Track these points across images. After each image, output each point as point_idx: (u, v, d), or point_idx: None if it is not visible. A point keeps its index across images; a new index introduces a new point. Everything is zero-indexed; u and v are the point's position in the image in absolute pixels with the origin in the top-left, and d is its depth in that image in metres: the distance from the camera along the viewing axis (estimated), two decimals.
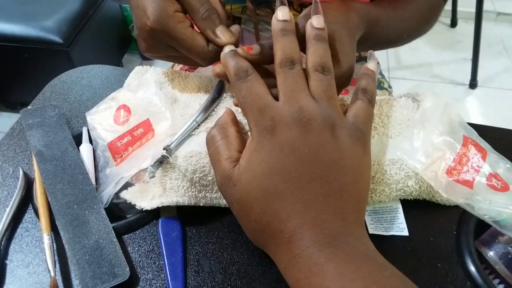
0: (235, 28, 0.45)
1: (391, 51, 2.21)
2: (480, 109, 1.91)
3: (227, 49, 0.41)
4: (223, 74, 0.41)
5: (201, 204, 0.47)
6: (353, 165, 0.34)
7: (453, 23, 2.38)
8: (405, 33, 0.65)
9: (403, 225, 0.46)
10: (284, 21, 0.39)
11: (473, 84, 2.00)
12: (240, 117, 0.45)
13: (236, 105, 0.45)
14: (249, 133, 0.40)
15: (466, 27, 2.32)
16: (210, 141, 0.39)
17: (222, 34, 0.43)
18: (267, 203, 0.33)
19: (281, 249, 0.33)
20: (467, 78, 2.02)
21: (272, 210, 0.33)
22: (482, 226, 0.47)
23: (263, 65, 0.43)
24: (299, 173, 0.33)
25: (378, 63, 0.86)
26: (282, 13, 0.39)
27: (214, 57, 0.44)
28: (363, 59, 0.82)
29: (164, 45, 0.44)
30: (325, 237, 0.31)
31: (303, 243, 0.31)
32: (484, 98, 1.97)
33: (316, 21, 0.39)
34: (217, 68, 0.42)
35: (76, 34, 1.67)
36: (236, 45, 0.44)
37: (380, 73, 0.87)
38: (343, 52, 0.43)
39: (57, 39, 1.62)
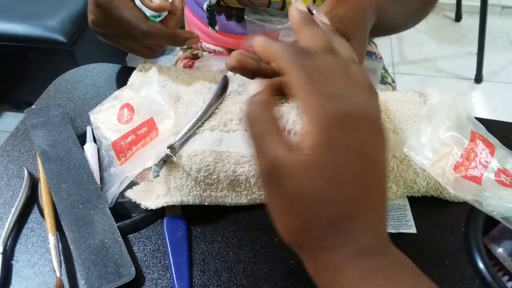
0: (177, 0, 0.49)
1: (395, 46, 2.19)
2: (486, 103, 1.90)
3: (298, 14, 0.36)
4: (239, 67, 0.38)
5: (206, 203, 0.47)
6: None
7: (458, 17, 2.36)
8: (409, 17, 0.64)
9: (411, 222, 0.46)
10: None
11: (478, 79, 1.98)
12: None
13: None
14: None
15: (471, 21, 2.29)
16: (253, 120, 0.32)
17: None
18: (325, 205, 0.29)
19: (321, 254, 0.30)
20: (472, 73, 2.00)
21: (327, 214, 0.29)
22: (490, 223, 0.46)
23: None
24: (369, 179, 0.29)
25: (381, 57, 0.85)
26: None
27: (150, 30, 0.47)
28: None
29: (108, 19, 0.48)
30: (370, 247, 0.29)
31: (348, 252, 0.29)
32: (490, 93, 1.95)
33: None
34: (232, 60, 0.38)
35: (80, 33, 1.67)
36: (180, 17, 0.50)
37: (384, 68, 0.87)
38: (358, 51, 0.42)
39: (60, 38, 1.62)
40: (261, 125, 0.31)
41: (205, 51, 0.84)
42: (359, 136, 0.29)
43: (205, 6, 0.72)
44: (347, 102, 0.29)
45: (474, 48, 1.97)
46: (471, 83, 2.00)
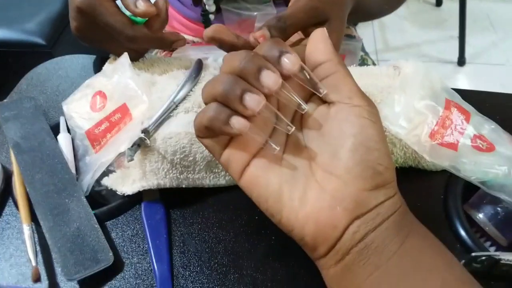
0: (161, 2, 0.48)
1: (378, 34, 2.20)
2: (470, 85, 1.91)
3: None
4: (217, 38, 0.38)
5: (184, 186, 0.46)
6: None
7: (438, 2, 2.37)
8: (387, 3, 0.64)
9: None
10: None
11: (461, 61, 1.99)
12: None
13: None
14: None
15: (451, 5, 2.30)
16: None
17: (141, 5, 0.44)
18: None
19: None
20: (455, 56, 2.01)
21: None
22: (469, 190, 0.46)
23: None
24: None
25: (361, 39, 0.85)
26: None
27: (136, 35, 0.46)
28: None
29: (92, 25, 0.46)
30: None
31: None
32: (473, 75, 1.97)
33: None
34: (210, 31, 0.38)
35: (59, 35, 1.65)
36: (165, 19, 0.48)
37: (363, 50, 0.86)
38: (335, 32, 0.42)
39: (40, 41, 1.60)
40: None
41: None
42: None
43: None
44: None
45: (456, 32, 1.98)
46: (454, 66, 2.01)
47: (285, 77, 0.30)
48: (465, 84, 1.92)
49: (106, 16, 0.45)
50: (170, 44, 0.50)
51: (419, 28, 2.23)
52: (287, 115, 0.33)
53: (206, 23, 0.73)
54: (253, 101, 0.28)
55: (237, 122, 0.29)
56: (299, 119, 0.34)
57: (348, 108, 0.30)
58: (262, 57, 0.30)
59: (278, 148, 0.30)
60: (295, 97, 0.30)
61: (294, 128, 0.31)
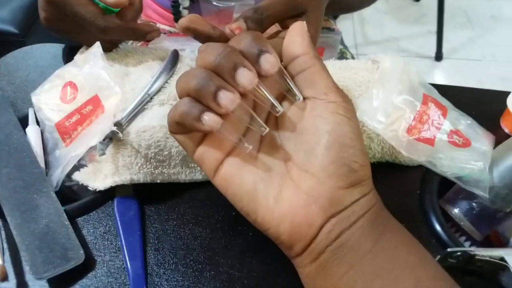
0: None
1: (357, 28, 2.21)
2: (447, 80, 1.93)
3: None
4: (192, 28, 0.36)
5: (158, 181, 0.45)
6: None
7: None
8: None
9: None
10: None
11: (438, 56, 2.02)
12: None
13: None
14: None
15: (430, 0, 2.33)
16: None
17: None
18: None
19: None
20: (433, 51, 2.03)
21: None
22: (445, 186, 0.47)
23: None
24: None
25: (340, 32, 0.84)
26: None
27: (108, 26, 0.44)
28: (323, 28, 0.81)
29: (62, 16, 0.45)
30: None
31: None
32: (450, 70, 2.00)
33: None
34: (185, 21, 0.36)
35: (33, 23, 1.59)
36: (139, 8, 0.47)
37: (342, 43, 0.86)
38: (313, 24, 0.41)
39: (12, 29, 1.54)
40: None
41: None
42: None
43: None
44: None
45: (434, 27, 2.01)
46: (432, 61, 2.03)
47: (261, 77, 0.29)
48: (442, 79, 1.95)
49: (76, 6, 0.43)
50: (144, 35, 0.48)
51: (398, 23, 2.24)
52: (261, 113, 0.33)
53: (176, 14, 0.71)
54: (227, 99, 0.27)
55: (209, 119, 0.28)
56: (274, 117, 0.33)
57: (323, 104, 0.30)
58: (239, 53, 0.29)
59: (250, 147, 0.29)
60: (270, 97, 0.29)
61: (268, 129, 0.30)
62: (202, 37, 0.37)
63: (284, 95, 0.32)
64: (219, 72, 0.28)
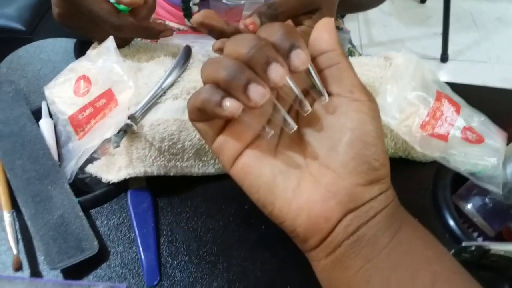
0: None
1: (363, 29, 2.21)
2: (452, 82, 1.94)
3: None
4: (206, 24, 0.37)
5: (172, 174, 0.45)
6: None
7: None
8: None
9: None
10: None
11: (444, 58, 2.02)
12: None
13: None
14: None
15: (435, 2, 2.32)
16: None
17: None
18: None
19: None
20: (438, 53, 2.03)
21: None
22: (458, 182, 0.47)
23: None
24: None
25: (349, 31, 0.85)
26: None
27: (122, 24, 0.45)
28: None
29: (76, 12, 0.45)
30: None
31: None
32: (455, 71, 1.99)
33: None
34: (200, 16, 0.37)
35: (39, 21, 1.60)
36: (152, 7, 0.47)
37: (350, 42, 0.86)
38: None
39: (19, 26, 1.55)
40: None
41: None
42: None
43: None
44: None
45: (439, 29, 2.00)
46: (437, 63, 2.03)
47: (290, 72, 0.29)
48: (447, 80, 1.94)
49: (91, 4, 0.44)
50: (157, 34, 0.48)
51: (404, 24, 2.24)
52: (284, 106, 0.33)
53: (186, 11, 0.71)
54: (258, 93, 0.27)
55: (230, 105, 0.28)
56: (295, 111, 0.33)
57: (348, 102, 0.30)
58: (272, 47, 0.28)
59: (272, 132, 0.29)
60: (299, 94, 0.29)
61: (296, 127, 0.29)
62: (216, 33, 0.37)
63: (307, 91, 0.32)
64: (251, 65, 0.28)
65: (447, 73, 1.99)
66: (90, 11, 0.44)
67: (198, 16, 0.37)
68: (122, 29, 0.45)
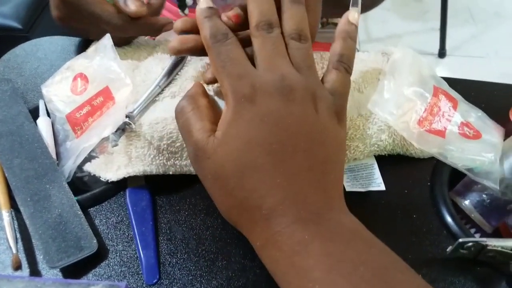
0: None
1: (361, 24, 2.20)
2: (449, 77, 1.94)
3: (203, 4, 0.34)
4: (183, 50, 0.35)
5: (171, 173, 0.45)
6: (332, 137, 0.32)
7: None
8: None
9: (379, 180, 0.45)
10: None
11: (441, 53, 2.02)
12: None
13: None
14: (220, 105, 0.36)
15: None
16: (179, 113, 0.34)
17: (131, 2, 0.43)
18: (244, 177, 0.30)
19: (258, 226, 0.30)
20: (436, 48, 2.03)
21: (250, 185, 0.30)
22: (455, 178, 0.47)
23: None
24: (282, 145, 0.30)
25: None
26: None
27: (123, 25, 0.45)
28: (330, 24, 0.81)
29: (76, 14, 0.45)
30: (308, 213, 0.29)
31: (284, 220, 0.29)
32: (453, 66, 2.00)
33: None
34: (175, 43, 0.35)
35: (36, 18, 1.59)
36: (157, 13, 0.47)
37: None
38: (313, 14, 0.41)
39: (15, 24, 1.54)
40: (185, 116, 0.33)
41: None
42: (269, 106, 0.30)
43: None
44: (257, 78, 0.31)
45: (437, 24, 2.00)
46: (435, 58, 2.03)
47: None
48: (445, 75, 1.95)
49: (92, 6, 0.44)
50: (161, 28, 0.48)
51: (401, 20, 2.24)
52: None
53: (182, 7, 0.71)
54: None
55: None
56: None
57: None
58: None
59: None
60: None
61: None
62: (198, 50, 0.35)
63: None
64: None
65: (445, 68, 1.99)
66: (92, 13, 0.44)
67: (173, 42, 0.35)
68: (125, 29, 0.45)
